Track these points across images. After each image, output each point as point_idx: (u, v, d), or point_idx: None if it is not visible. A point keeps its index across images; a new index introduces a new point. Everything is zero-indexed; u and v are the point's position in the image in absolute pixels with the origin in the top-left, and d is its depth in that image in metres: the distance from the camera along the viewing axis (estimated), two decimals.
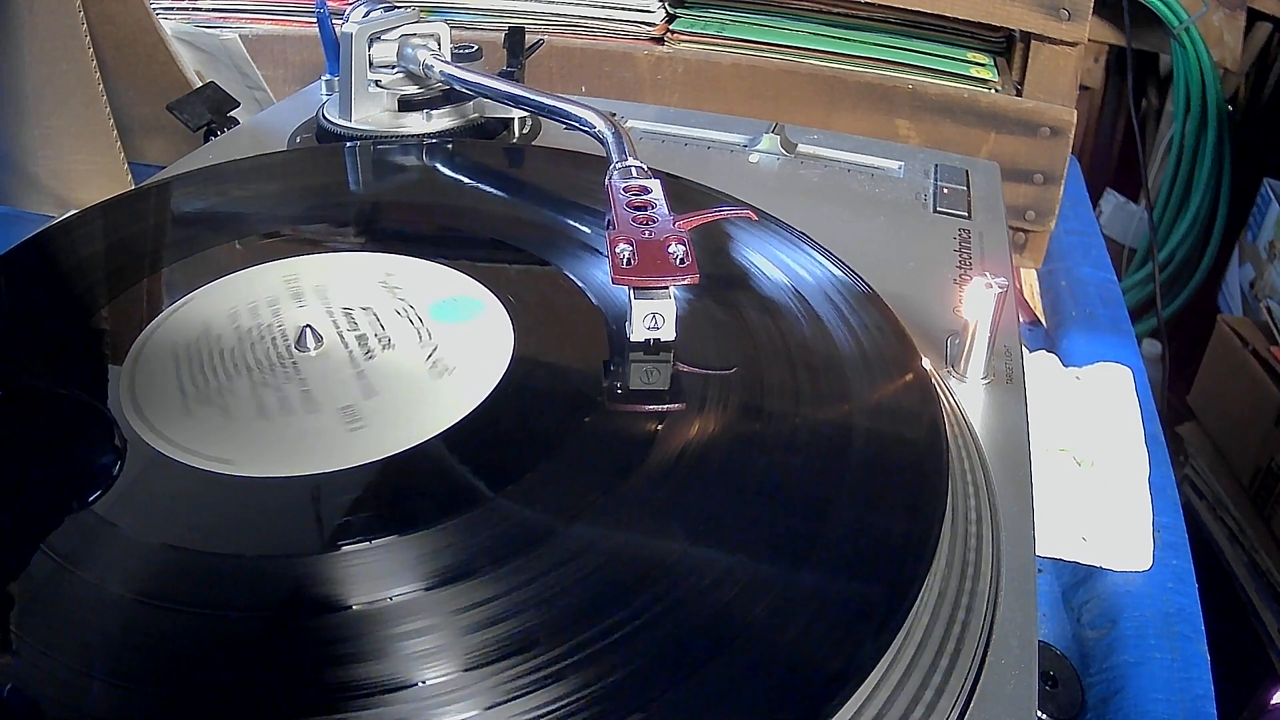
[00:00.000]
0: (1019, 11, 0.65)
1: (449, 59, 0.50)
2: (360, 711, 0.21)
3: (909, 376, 0.32)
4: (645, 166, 0.38)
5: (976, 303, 0.35)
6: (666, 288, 0.32)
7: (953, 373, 0.36)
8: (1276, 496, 0.85)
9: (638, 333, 0.32)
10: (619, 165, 0.38)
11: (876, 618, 0.23)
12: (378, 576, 0.24)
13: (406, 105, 0.51)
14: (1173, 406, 1.04)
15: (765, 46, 0.68)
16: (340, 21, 0.51)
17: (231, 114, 0.56)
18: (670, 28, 0.70)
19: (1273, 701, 0.67)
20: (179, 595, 0.24)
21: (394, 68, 0.51)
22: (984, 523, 0.29)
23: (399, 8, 0.51)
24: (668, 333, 0.32)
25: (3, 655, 0.22)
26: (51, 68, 0.58)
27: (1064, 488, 0.45)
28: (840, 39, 0.69)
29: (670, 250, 0.32)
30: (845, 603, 0.24)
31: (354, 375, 0.31)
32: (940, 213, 0.48)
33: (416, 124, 0.51)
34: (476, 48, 0.52)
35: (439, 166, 0.47)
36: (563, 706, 0.21)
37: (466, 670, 0.22)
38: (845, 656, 0.22)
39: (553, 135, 0.53)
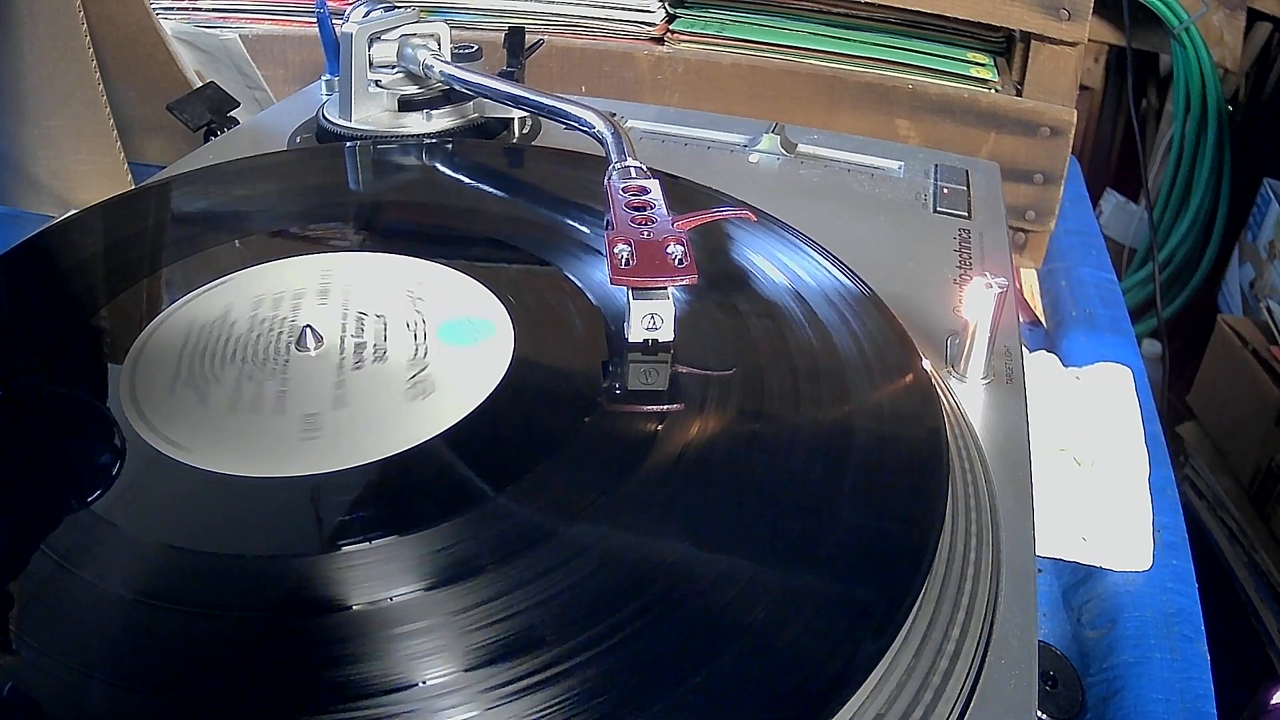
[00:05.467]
0: (1019, 11, 0.65)
1: (449, 59, 0.50)
2: (360, 711, 0.21)
3: (909, 377, 0.32)
4: (644, 166, 0.38)
5: (976, 303, 0.35)
6: (665, 288, 0.32)
7: (953, 373, 0.36)
8: (1276, 496, 0.85)
9: (636, 333, 0.32)
10: (618, 165, 0.38)
11: (876, 618, 0.23)
12: (378, 577, 0.24)
13: (406, 105, 0.51)
14: (1173, 406, 1.04)
15: (765, 46, 0.68)
16: (340, 21, 0.51)
17: (231, 114, 0.56)
18: (670, 28, 0.70)
19: (1273, 701, 0.67)
20: (179, 595, 0.24)
21: (394, 68, 0.51)
22: (984, 523, 0.29)
23: (399, 8, 0.51)
24: (666, 333, 0.32)
25: (3, 655, 0.22)
26: (51, 68, 0.58)
27: (1064, 488, 0.45)
28: (840, 39, 0.69)
29: (669, 251, 0.32)
30: (845, 603, 0.24)
31: (333, 383, 0.31)
32: (940, 213, 0.48)
33: (416, 124, 0.51)
34: (476, 48, 0.52)
35: (439, 166, 0.47)
36: (562, 707, 0.21)
37: (466, 670, 0.22)
38: (845, 657, 0.22)
39: (553, 135, 0.53)
